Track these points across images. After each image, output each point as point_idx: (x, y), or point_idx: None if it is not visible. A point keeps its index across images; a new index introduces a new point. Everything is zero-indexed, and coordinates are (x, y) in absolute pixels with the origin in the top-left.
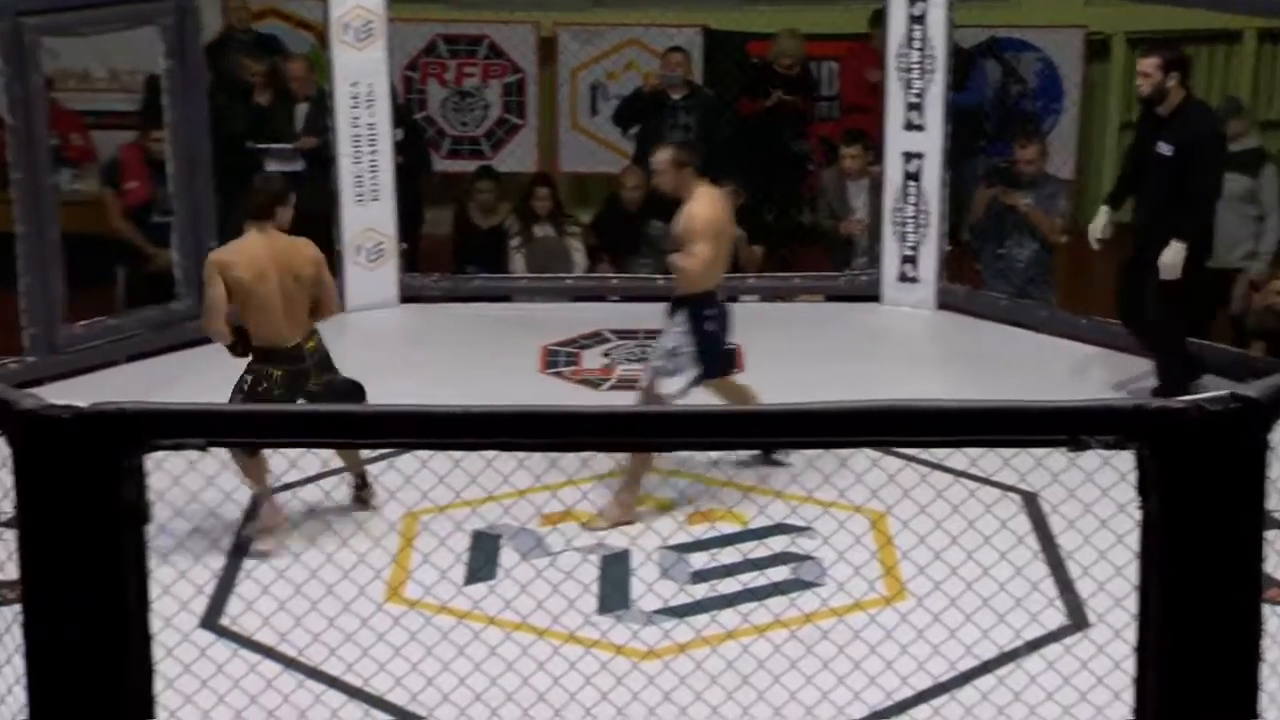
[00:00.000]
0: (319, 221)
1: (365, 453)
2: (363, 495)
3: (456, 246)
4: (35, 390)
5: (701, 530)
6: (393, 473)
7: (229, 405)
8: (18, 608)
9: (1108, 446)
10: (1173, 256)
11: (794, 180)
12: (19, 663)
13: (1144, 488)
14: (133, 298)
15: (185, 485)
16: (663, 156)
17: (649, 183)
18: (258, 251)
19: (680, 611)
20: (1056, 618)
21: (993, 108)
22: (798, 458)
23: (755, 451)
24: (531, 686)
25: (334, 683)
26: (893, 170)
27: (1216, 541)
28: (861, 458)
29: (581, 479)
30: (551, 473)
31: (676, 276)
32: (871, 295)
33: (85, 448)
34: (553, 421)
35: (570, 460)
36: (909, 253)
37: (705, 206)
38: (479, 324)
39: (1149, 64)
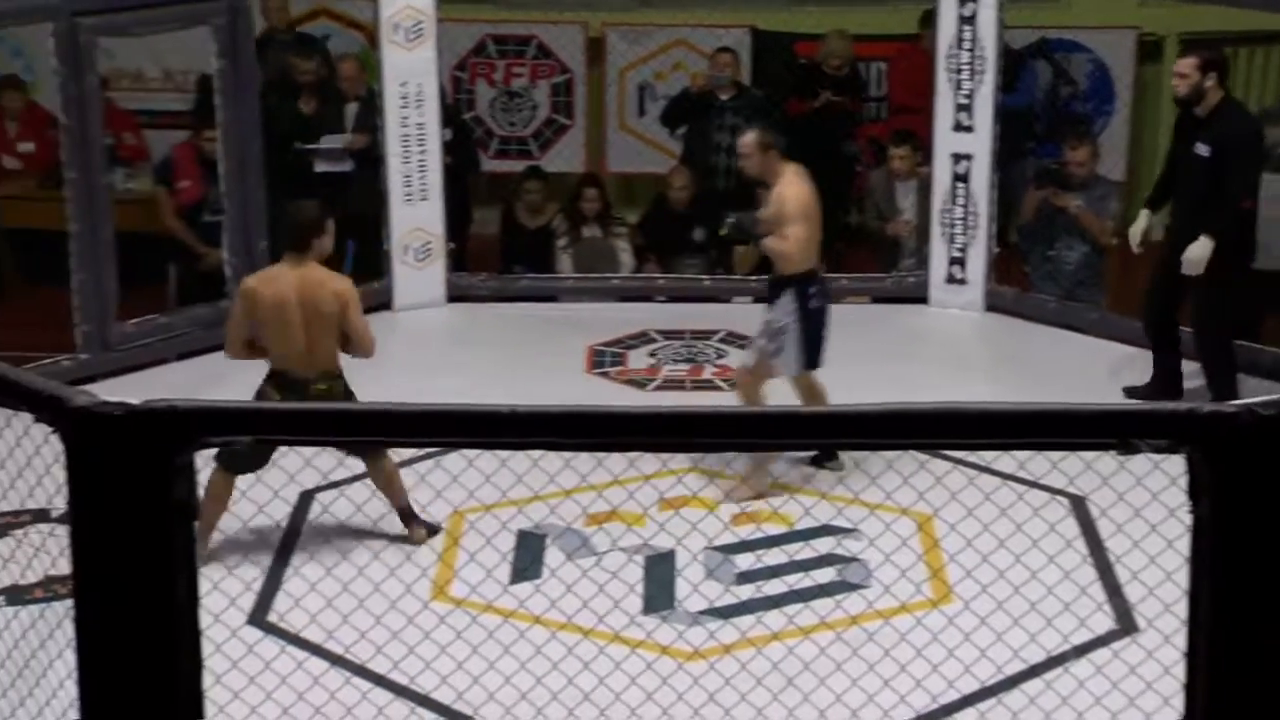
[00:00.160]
0: (368, 221)
1: (409, 481)
2: (412, 531)
3: (504, 246)
4: (87, 387)
5: (747, 531)
6: (439, 471)
7: (277, 404)
8: (69, 603)
9: (1159, 450)
10: (1198, 252)
11: (842, 181)
12: (70, 658)
13: (1195, 492)
14: (184, 296)
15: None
16: (749, 140)
17: (696, 183)
18: (284, 281)
19: (725, 613)
20: (1105, 622)
21: (1042, 109)
22: (844, 459)
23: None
24: (576, 686)
25: (380, 680)
26: (941, 171)
27: (1268, 546)
28: (909, 460)
29: (627, 479)
30: (598, 472)
31: (775, 260)
32: (919, 297)
33: (137, 445)
34: (598, 421)
35: (616, 460)
36: (957, 254)
37: (795, 187)
38: (525, 324)
39: (1186, 64)
